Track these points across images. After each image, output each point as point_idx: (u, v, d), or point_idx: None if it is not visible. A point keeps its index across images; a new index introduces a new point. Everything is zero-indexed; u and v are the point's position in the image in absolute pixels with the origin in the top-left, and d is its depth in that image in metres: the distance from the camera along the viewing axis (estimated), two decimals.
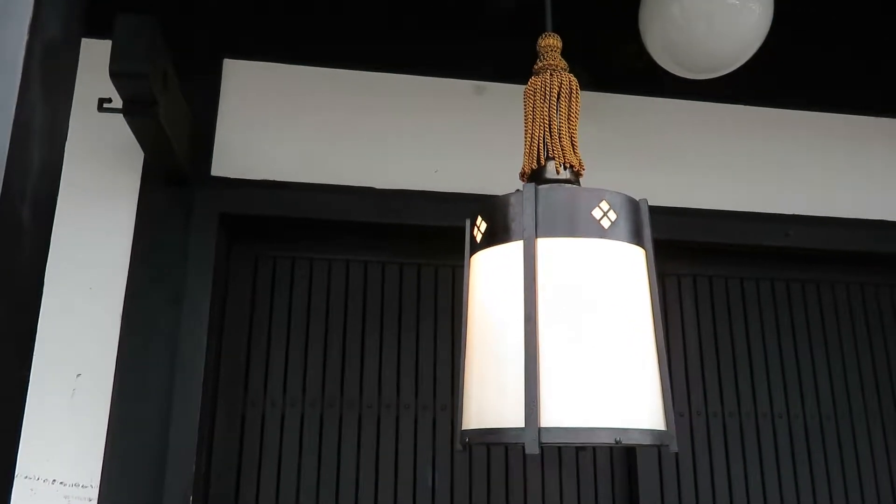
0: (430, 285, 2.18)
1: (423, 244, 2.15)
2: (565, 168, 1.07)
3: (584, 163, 1.11)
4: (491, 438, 0.93)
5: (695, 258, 2.30)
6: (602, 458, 2.12)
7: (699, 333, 2.26)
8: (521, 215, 0.95)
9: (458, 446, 0.99)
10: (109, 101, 1.64)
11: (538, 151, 1.09)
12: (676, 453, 2.14)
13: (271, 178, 2.05)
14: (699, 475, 2.14)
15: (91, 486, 1.76)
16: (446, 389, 2.08)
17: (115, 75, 1.51)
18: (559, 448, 2.07)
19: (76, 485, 1.76)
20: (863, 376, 2.31)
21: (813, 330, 2.32)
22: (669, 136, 2.30)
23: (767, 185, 2.30)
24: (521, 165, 1.12)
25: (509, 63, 2.19)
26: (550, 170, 1.07)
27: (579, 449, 1.04)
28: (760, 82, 2.26)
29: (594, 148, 2.17)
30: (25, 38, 0.84)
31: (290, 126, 2.11)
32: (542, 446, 0.85)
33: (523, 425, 0.87)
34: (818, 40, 2.42)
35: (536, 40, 1.21)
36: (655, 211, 2.15)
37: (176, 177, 1.94)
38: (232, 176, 2.03)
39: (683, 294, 2.29)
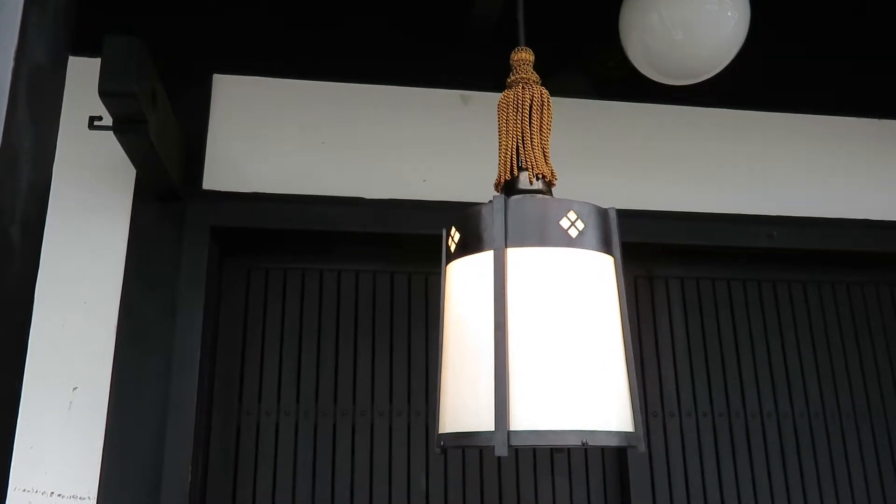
0: (421, 293, 2.21)
1: (413, 253, 2.17)
2: (538, 179, 1.11)
3: (556, 172, 1.14)
4: (464, 441, 0.96)
5: (682, 261, 2.33)
6: (594, 460, 2.15)
7: (688, 335, 2.29)
8: (491, 226, 0.99)
9: (435, 449, 1.02)
10: (100, 118, 1.67)
11: (512, 163, 1.12)
12: (667, 453, 2.17)
13: (262, 191, 2.09)
14: (690, 475, 2.17)
15: (89, 498, 1.79)
16: None
17: (104, 94, 1.54)
18: (551, 453, 2.10)
19: (74, 496, 1.79)
20: (850, 374, 2.34)
21: (800, 329, 2.35)
22: (654, 141, 2.33)
23: (752, 187, 2.33)
24: (496, 176, 1.15)
25: (495, 72, 2.23)
26: (523, 180, 1.10)
27: (554, 451, 1.07)
28: (742, 86, 2.29)
29: (580, 154, 2.23)
30: (11, 64, 0.87)
31: (280, 139, 2.15)
32: (511, 448, 0.89)
33: (493, 429, 0.90)
34: (798, 43, 2.46)
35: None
36: (642, 215, 2.21)
37: (167, 191, 1.97)
38: (223, 189, 2.07)
39: (671, 296, 2.32)
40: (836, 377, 2.33)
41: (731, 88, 2.20)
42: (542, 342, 0.94)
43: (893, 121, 2.48)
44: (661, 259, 2.31)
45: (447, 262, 1.08)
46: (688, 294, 2.33)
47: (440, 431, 1.01)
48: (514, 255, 0.97)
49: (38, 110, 0.94)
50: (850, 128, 2.45)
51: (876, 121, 2.47)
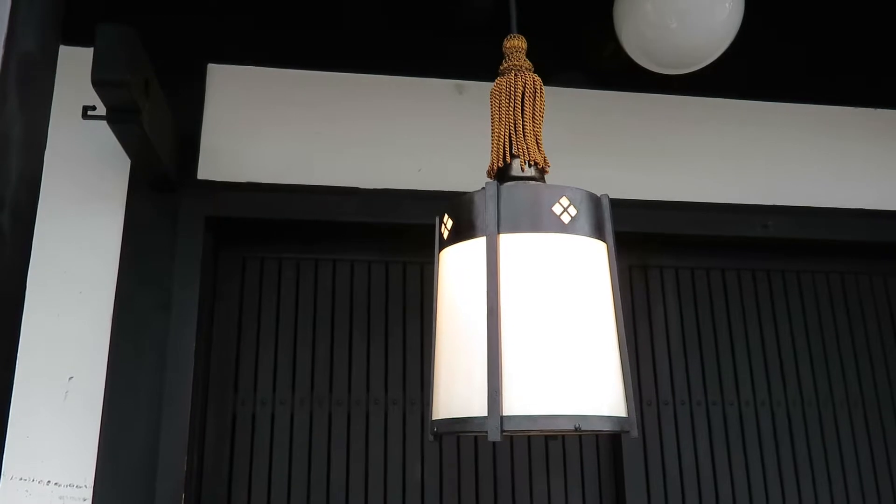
0: (416, 283, 2.21)
1: (408, 242, 2.17)
2: (530, 166, 1.11)
3: (548, 160, 1.14)
4: (457, 427, 0.96)
5: (676, 250, 2.33)
6: (589, 448, 2.16)
7: (682, 324, 2.30)
8: (483, 212, 0.99)
9: (429, 437, 1.02)
10: (94, 108, 1.67)
11: (504, 150, 1.12)
12: (662, 442, 2.18)
13: (257, 181, 2.09)
14: (684, 463, 2.18)
15: (85, 487, 1.80)
16: None
17: (96, 84, 1.54)
18: (546, 441, 2.11)
19: (70, 485, 1.80)
20: (843, 363, 2.34)
21: (794, 319, 2.35)
22: (648, 130, 2.33)
23: (746, 177, 2.33)
24: (489, 164, 1.15)
25: (489, 62, 2.22)
26: (515, 168, 1.10)
27: (549, 438, 1.08)
28: (737, 75, 2.29)
29: (574, 144, 2.22)
30: (1, 53, 0.87)
31: (275, 128, 2.14)
32: (504, 434, 0.89)
33: (486, 414, 0.91)
34: (793, 33, 2.46)
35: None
36: (636, 205, 2.21)
37: (162, 181, 1.97)
38: (218, 179, 2.07)
39: (666, 286, 2.32)
40: (830, 366, 2.34)
41: (726, 78, 2.20)
42: (535, 328, 0.94)
43: (888, 111, 2.48)
44: (655, 249, 2.31)
45: (440, 249, 1.08)
46: (682, 283, 2.34)
47: (433, 418, 1.01)
48: (506, 241, 0.97)
49: (29, 99, 0.93)
50: (844, 118, 2.45)
51: (871, 110, 2.47)
